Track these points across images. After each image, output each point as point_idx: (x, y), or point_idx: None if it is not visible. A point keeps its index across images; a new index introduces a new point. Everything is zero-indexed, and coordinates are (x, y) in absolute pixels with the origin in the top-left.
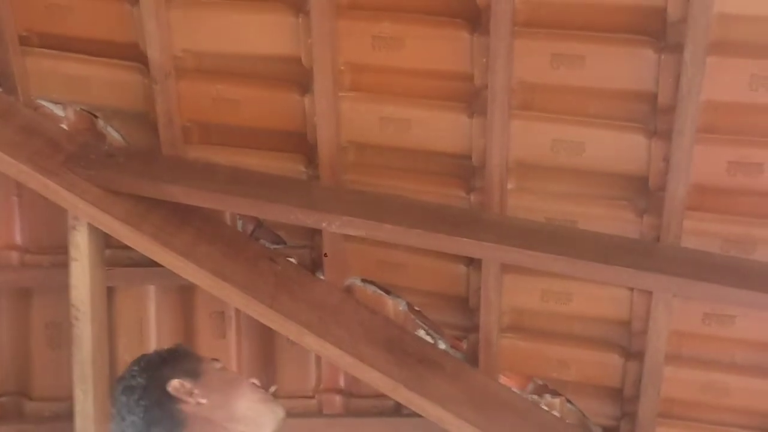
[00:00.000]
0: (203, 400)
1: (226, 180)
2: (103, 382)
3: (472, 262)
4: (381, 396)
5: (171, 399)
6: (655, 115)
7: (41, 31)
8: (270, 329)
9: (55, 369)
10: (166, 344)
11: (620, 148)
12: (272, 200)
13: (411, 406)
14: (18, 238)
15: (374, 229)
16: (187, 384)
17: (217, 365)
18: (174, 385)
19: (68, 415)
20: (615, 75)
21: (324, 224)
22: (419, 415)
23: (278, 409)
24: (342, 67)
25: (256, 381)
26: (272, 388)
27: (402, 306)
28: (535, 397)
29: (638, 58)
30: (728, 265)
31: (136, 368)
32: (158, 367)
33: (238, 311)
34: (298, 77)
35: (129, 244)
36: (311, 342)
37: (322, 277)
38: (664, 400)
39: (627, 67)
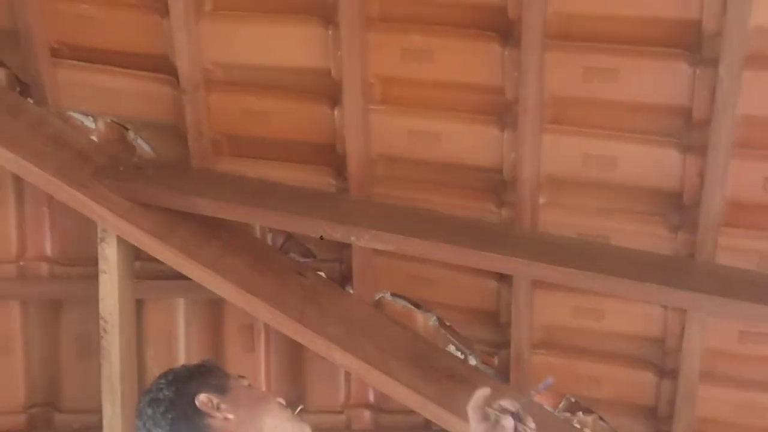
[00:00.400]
0: (230, 416)
1: (255, 193)
2: (132, 395)
3: (503, 278)
4: (411, 412)
5: (198, 413)
6: (689, 129)
7: (72, 43)
8: (299, 343)
9: (85, 381)
10: (195, 357)
11: (654, 163)
12: (300, 213)
13: (439, 422)
14: (48, 250)
15: (403, 243)
16: (215, 399)
17: (245, 382)
18: (201, 399)
19: (98, 428)
20: (649, 89)
21: (352, 238)
22: None
23: (305, 428)
24: (372, 80)
25: (282, 400)
26: (298, 408)
27: (432, 321)
28: (568, 414)
29: (673, 72)
30: (765, 283)
31: (163, 381)
32: (186, 380)
33: (267, 325)
34: (327, 90)
35: (156, 257)
36: (339, 356)
37: (351, 291)
38: (699, 420)
39: (661, 80)
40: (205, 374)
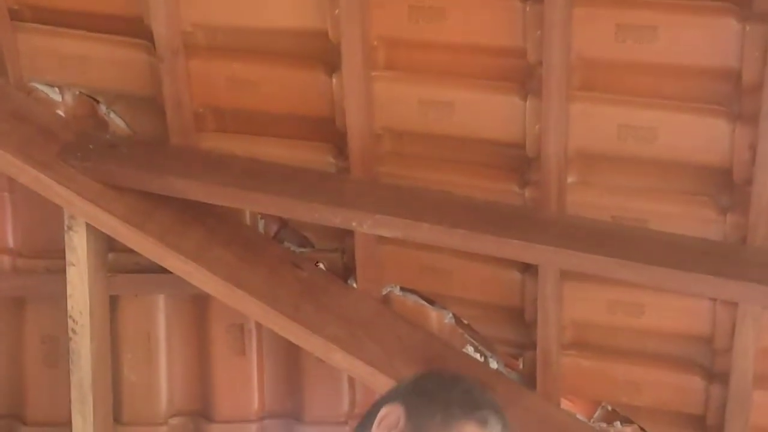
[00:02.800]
0: None
1: (243, 173)
2: (105, 405)
3: (528, 268)
4: None
5: (370, 417)
6: (739, 95)
7: (34, 4)
8: (296, 344)
9: (53, 389)
10: (177, 361)
11: (698, 134)
12: (294, 197)
13: None
14: (10, 240)
15: (411, 229)
16: (401, 422)
17: None
18: (385, 409)
19: None
20: (691, 49)
21: (354, 224)
22: None
23: None
24: (375, 42)
25: None
26: None
27: (447, 318)
28: (604, 424)
29: (719, 29)
30: None
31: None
32: (418, 389)
33: (259, 324)
34: (324, 54)
35: (131, 246)
36: (340, 359)
37: (354, 285)
38: (754, 428)
39: (706, 39)
40: (439, 398)
